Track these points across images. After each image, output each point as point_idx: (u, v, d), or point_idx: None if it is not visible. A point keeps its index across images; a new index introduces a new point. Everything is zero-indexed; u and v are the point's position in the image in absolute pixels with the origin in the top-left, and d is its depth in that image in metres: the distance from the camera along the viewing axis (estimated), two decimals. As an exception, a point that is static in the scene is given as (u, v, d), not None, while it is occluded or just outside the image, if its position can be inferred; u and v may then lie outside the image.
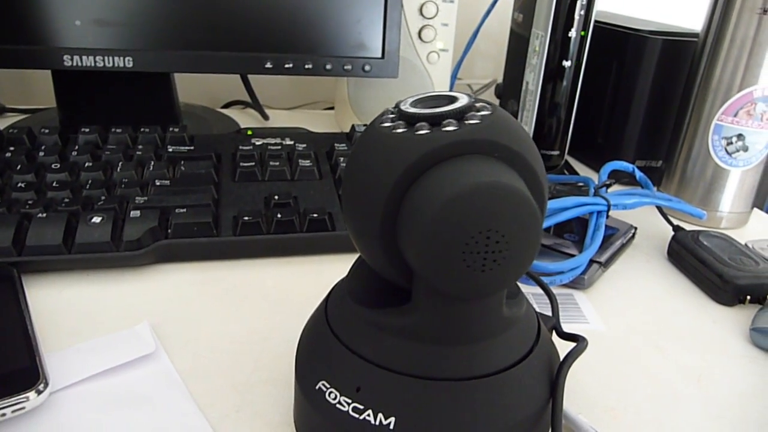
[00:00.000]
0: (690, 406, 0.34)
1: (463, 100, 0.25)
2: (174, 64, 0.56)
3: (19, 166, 0.47)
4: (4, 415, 0.28)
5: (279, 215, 0.45)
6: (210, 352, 0.35)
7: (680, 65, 0.60)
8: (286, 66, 0.58)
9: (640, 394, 0.35)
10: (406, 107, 0.25)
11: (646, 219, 0.56)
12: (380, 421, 0.25)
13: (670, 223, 0.52)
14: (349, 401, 0.25)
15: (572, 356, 0.29)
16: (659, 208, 0.54)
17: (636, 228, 0.52)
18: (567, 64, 0.59)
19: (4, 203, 0.43)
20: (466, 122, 0.24)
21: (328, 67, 0.59)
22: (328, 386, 0.26)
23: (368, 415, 0.25)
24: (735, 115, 0.53)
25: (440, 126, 0.24)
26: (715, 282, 0.44)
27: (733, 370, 0.37)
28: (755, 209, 0.59)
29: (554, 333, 0.34)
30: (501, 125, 0.24)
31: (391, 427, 0.24)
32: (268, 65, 0.57)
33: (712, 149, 0.54)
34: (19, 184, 0.45)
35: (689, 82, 0.56)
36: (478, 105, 0.25)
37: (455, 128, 0.23)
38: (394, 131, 0.24)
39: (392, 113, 0.26)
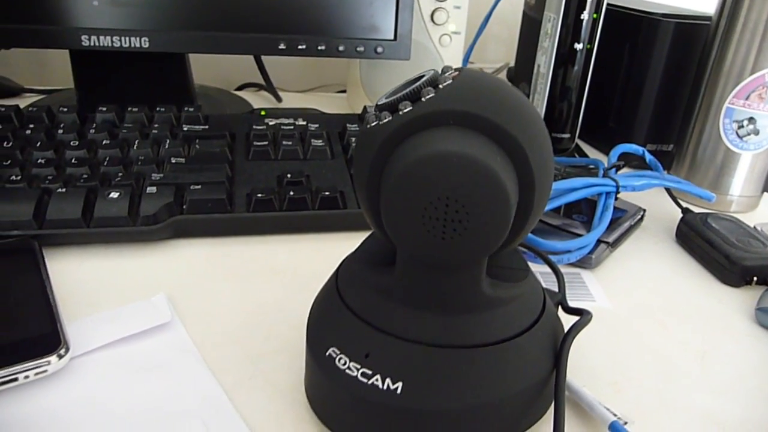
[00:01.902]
0: (692, 381, 0.35)
1: (424, 77, 0.25)
2: (189, 45, 0.57)
3: (38, 143, 0.48)
4: (27, 377, 0.29)
5: (291, 193, 0.45)
6: (224, 323, 0.36)
7: (693, 49, 0.60)
8: (300, 47, 0.58)
9: (643, 369, 0.35)
10: (381, 99, 0.26)
11: (656, 202, 0.56)
12: (388, 385, 0.25)
13: (679, 205, 0.52)
14: (359, 366, 0.26)
15: (576, 328, 0.30)
16: (668, 191, 0.54)
17: (645, 210, 0.52)
18: (579, 47, 0.59)
19: (24, 179, 0.44)
20: (422, 99, 0.24)
21: (341, 48, 0.59)
22: (338, 352, 0.27)
23: (376, 379, 0.26)
24: (747, 99, 0.53)
25: (398, 111, 0.25)
26: (722, 263, 0.44)
27: (737, 348, 0.38)
28: (766, 193, 0.59)
29: (560, 308, 0.35)
30: (460, 92, 0.24)
31: (399, 391, 0.25)
32: (282, 46, 0.58)
33: (723, 133, 0.54)
34: (39, 161, 0.46)
35: (701, 66, 0.56)
36: (443, 77, 0.25)
37: (409, 109, 0.24)
38: (367, 126, 0.26)
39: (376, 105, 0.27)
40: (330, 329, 0.28)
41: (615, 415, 0.29)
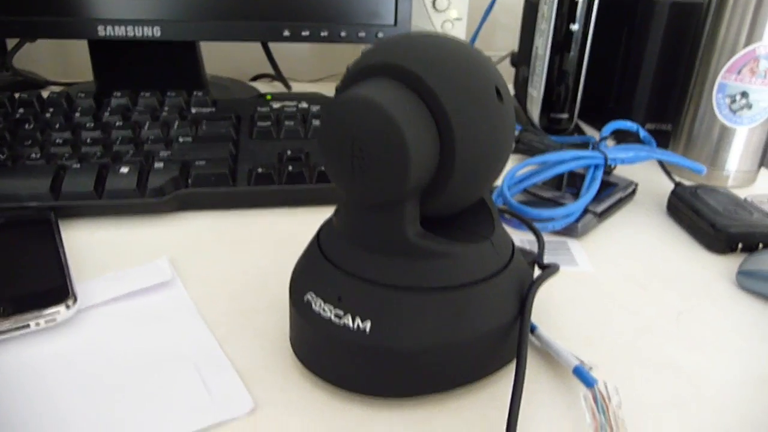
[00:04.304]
0: (665, 338, 0.36)
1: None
2: (198, 33, 0.60)
3: (57, 125, 0.51)
4: (38, 324, 0.32)
5: (290, 168, 0.48)
6: (221, 283, 0.39)
7: (689, 28, 0.61)
8: (303, 34, 0.61)
9: (618, 326, 0.37)
10: None
11: (649, 177, 0.57)
12: (358, 325, 0.28)
13: (672, 178, 0.53)
14: (332, 308, 0.28)
15: (542, 277, 0.31)
16: (662, 166, 0.55)
17: (637, 184, 0.53)
18: (575, 27, 0.61)
19: (43, 157, 0.47)
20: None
21: (343, 34, 0.61)
22: (314, 296, 0.29)
23: (348, 320, 0.28)
24: (738, 73, 0.53)
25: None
26: (708, 231, 0.45)
27: (715, 308, 0.39)
28: (763, 168, 0.59)
29: (537, 268, 0.36)
30: (393, 47, 0.27)
31: (367, 330, 0.27)
32: (286, 33, 0.61)
33: (716, 108, 0.55)
34: (57, 140, 0.49)
35: (695, 42, 0.57)
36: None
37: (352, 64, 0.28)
38: None
39: None
40: (308, 277, 0.30)
41: (580, 360, 0.31)
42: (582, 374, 0.30)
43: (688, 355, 0.34)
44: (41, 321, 0.32)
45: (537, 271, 0.36)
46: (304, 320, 0.29)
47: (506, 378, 0.31)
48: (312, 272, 0.30)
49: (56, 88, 0.74)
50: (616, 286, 0.41)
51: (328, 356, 0.29)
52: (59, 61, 0.84)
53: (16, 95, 0.55)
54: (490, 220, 0.31)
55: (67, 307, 0.33)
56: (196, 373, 0.31)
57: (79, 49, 0.67)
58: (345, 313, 0.28)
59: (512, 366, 0.31)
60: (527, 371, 0.31)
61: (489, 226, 0.31)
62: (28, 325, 0.32)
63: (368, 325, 0.27)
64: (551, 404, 0.30)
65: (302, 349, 0.31)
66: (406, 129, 0.25)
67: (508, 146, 0.29)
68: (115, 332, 0.33)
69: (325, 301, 0.28)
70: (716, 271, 0.43)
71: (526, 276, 0.32)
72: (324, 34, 0.61)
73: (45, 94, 0.57)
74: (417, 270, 0.28)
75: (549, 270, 0.32)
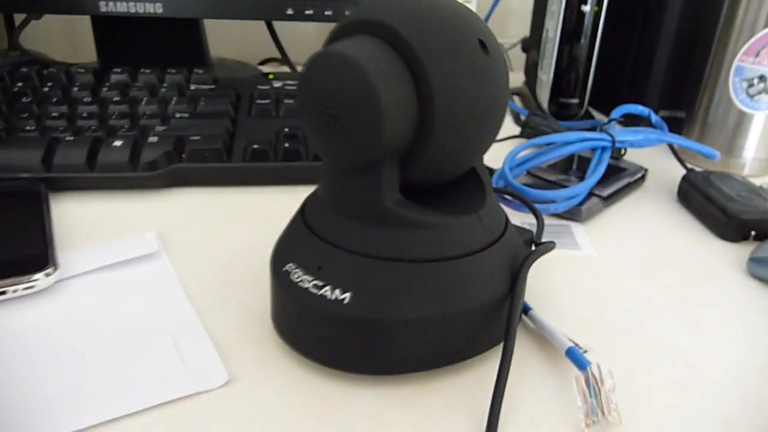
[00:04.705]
0: (667, 322, 0.34)
1: None
2: (200, 10, 0.59)
3: (54, 99, 0.51)
4: (15, 291, 0.32)
5: (287, 144, 0.47)
6: (208, 258, 0.37)
7: (706, 9, 0.59)
8: (307, 12, 0.59)
9: (617, 309, 0.35)
10: None
11: (660, 163, 0.55)
12: (336, 296, 0.26)
13: (684, 165, 0.51)
14: (311, 279, 0.27)
15: (535, 253, 0.30)
16: (674, 152, 0.53)
17: (646, 170, 0.51)
18: (586, 9, 0.59)
19: (38, 129, 0.47)
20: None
21: (347, 13, 0.60)
22: (294, 267, 0.28)
23: (327, 290, 0.27)
24: (757, 56, 0.51)
25: None
26: (719, 217, 0.43)
27: (722, 295, 0.37)
28: (781, 157, 0.57)
29: (533, 246, 0.35)
30: (367, 4, 0.26)
31: (346, 301, 0.26)
32: (290, 11, 0.59)
33: (732, 92, 0.53)
34: (53, 114, 0.48)
35: (712, 24, 0.55)
36: None
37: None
38: None
39: None
40: (290, 247, 0.29)
41: (574, 342, 0.29)
42: (575, 356, 0.28)
43: (689, 340, 0.33)
44: (19, 288, 0.32)
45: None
46: (282, 291, 0.28)
47: (495, 359, 0.30)
48: (293, 242, 0.29)
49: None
50: (618, 271, 0.39)
51: (307, 329, 0.28)
52: (68, 41, 0.84)
53: (17, 70, 0.54)
54: (482, 193, 0.29)
55: (47, 275, 0.32)
56: (172, 344, 0.30)
57: (87, 28, 0.67)
58: (324, 284, 0.27)
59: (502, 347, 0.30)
60: (518, 353, 0.30)
61: (480, 199, 0.29)
62: (4, 292, 0.31)
63: (348, 296, 0.26)
64: (542, 387, 0.29)
65: (282, 322, 0.29)
66: (378, 81, 0.23)
67: (497, 105, 0.27)
68: (94, 302, 0.33)
69: (305, 272, 0.27)
70: (726, 258, 0.41)
71: (519, 253, 0.30)
72: (328, 13, 0.60)
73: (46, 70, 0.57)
74: (398, 240, 0.26)
75: (543, 246, 0.31)
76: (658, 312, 0.35)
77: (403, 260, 0.26)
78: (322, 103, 0.25)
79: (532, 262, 0.29)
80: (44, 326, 0.31)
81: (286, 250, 0.29)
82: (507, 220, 0.30)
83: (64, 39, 0.84)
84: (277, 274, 0.29)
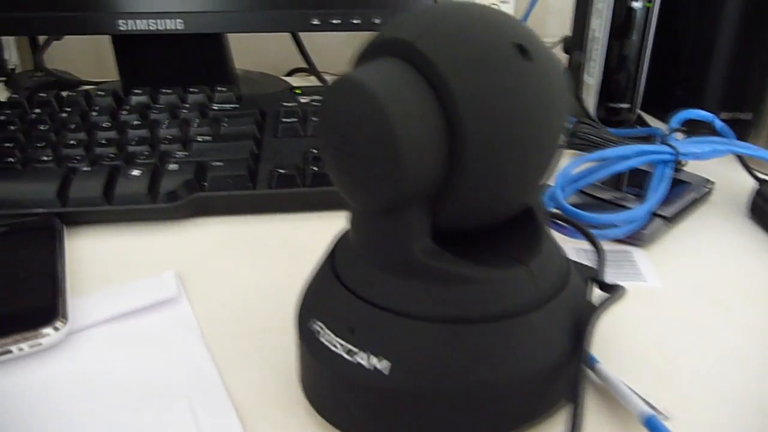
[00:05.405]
0: (755, 372, 0.29)
1: None
2: (222, 25, 0.56)
3: (73, 125, 0.48)
4: (21, 349, 0.29)
5: (315, 168, 0.43)
6: (232, 301, 0.34)
7: (773, 0, 0.53)
8: (333, 22, 0.56)
9: (695, 356, 0.30)
10: None
11: (727, 174, 0.50)
12: (373, 364, 0.23)
13: (755, 177, 0.46)
14: (343, 342, 0.23)
15: (605, 305, 0.26)
16: (742, 161, 0.48)
17: (713, 183, 0.46)
18: (637, 5, 0.54)
19: (54, 159, 0.44)
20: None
21: (376, 21, 0.56)
22: (321, 326, 0.24)
23: (362, 358, 0.23)
24: (837, 51, 0.45)
25: None
26: (803, 239, 0.38)
27: (817, 335, 0.32)
28: None
29: (596, 286, 0.30)
30: (408, 20, 0.22)
31: (385, 371, 0.22)
32: (315, 22, 0.56)
33: (808, 93, 0.47)
34: (71, 142, 0.46)
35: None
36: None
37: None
38: None
39: None
40: (316, 301, 0.25)
41: (653, 407, 0.25)
42: (656, 429, 0.24)
43: (786, 395, 0.28)
44: (24, 346, 0.29)
45: (596, 291, 0.30)
46: (310, 354, 0.24)
47: (556, 426, 0.26)
48: (321, 295, 0.25)
49: (88, 89, 0.72)
50: (690, 306, 0.34)
51: (339, 399, 0.24)
52: (93, 59, 0.82)
53: (36, 95, 0.52)
54: (536, 237, 0.25)
55: (56, 329, 0.30)
56: (189, 409, 0.26)
57: (111, 45, 0.65)
58: (358, 349, 0.23)
59: (564, 410, 0.25)
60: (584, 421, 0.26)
61: (533, 245, 0.25)
62: (10, 351, 0.29)
63: (386, 364, 0.22)
64: (615, 460, 0.25)
65: (311, 387, 0.26)
66: (396, 114, 0.19)
67: (549, 124, 0.22)
68: (106, 359, 0.30)
69: (335, 333, 0.24)
70: (815, 287, 0.36)
71: (583, 302, 0.26)
72: (356, 21, 0.56)
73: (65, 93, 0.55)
74: (436, 296, 0.22)
75: (613, 296, 0.26)
76: (744, 358, 0.30)
77: (447, 321, 0.22)
78: (337, 137, 0.22)
79: (599, 316, 0.25)
80: (51, 388, 0.28)
81: (313, 305, 0.25)
82: (569, 268, 0.26)
83: (90, 57, 0.82)
84: (304, 334, 0.25)
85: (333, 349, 0.23)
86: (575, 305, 0.25)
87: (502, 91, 0.21)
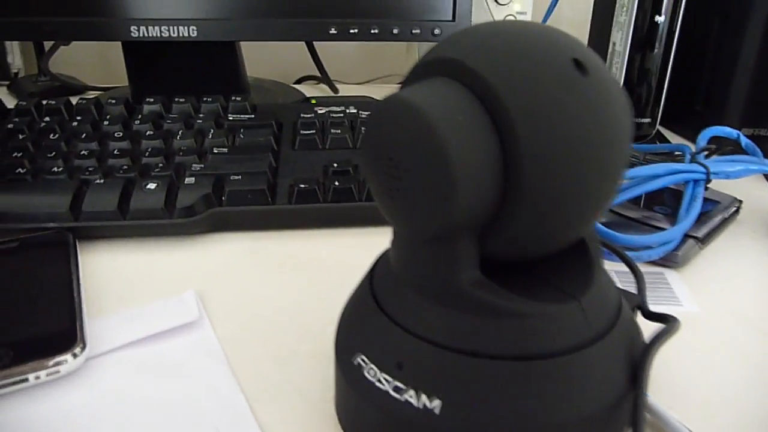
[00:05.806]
0: (808, 405, 0.28)
1: None
2: (237, 33, 0.55)
3: (84, 135, 0.47)
4: (38, 378, 0.27)
5: (337, 183, 0.42)
6: (255, 323, 0.33)
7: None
8: (351, 31, 0.55)
9: (743, 387, 0.29)
10: None
11: (753, 192, 0.49)
12: (424, 403, 0.21)
13: (784, 196, 0.45)
14: (390, 379, 0.22)
15: (660, 339, 0.24)
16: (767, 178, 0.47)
17: (741, 201, 0.45)
18: (660, 19, 0.53)
19: (66, 170, 0.43)
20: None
21: (395, 31, 0.55)
22: (366, 361, 0.23)
23: (410, 396, 0.21)
24: None
25: None
26: (841, 263, 0.37)
27: None
28: None
29: (639, 313, 0.29)
30: (458, 39, 0.21)
31: (437, 411, 0.21)
32: (333, 31, 0.55)
33: (837, 111, 0.47)
34: (83, 152, 0.44)
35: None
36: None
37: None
38: None
39: None
40: (359, 332, 0.24)
41: (708, 445, 0.24)
42: (715, 468, 0.23)
43: (841, 431, 0.27)
44: (42, 374, 0.27)
45: (640, 318, 0.29)
46: (352, 389, 0.23)
47: (609, 462, 0.25)
48: (363, 325, 0.24)
49: (95, 95, 0.70)
50: (729, 331, 0.33)
51: (384, 436, 0.23)
52: (99, 64, 0.81)
53: (44, 102, 0.51)
54: (589, 271, 0.24)
55: (74, 356, 0.28)
56: (220, 443, 0.25)
57: (118, 51, 0.63)
58: (407, 386, 0.22)
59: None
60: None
61: (585, 279, 0.23)
62: (26, 379, 0.27)
63: (437, 403, 0.21)
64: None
65: (352, 424, 0.24)
66: (451, 138, 0.18)
67: (614, 146, 0.20)
68: (127, 387, 0.28)
69: (380, 369, 0.22)
70: None
71: (635, 334, 0.25)
72: (374, 31, 0.55)
73: (74, 100, 0.53)
74: (489, 331, 0.21)
75: (668, 328, 0.25)
76: (792, 390, 0.29)
77: (502, 357, 0.21)
78: (385, 160, 0.21)
79: (656, 351, 0.24)
80: (69, 418, 0.26)
81: (354, 336, 0.24)
82: (620, 302, 0.25)
83: (96, 62, 0.80)
84: (345, 368, 0.24)
85: (378, 385, 0.22)
86: (629, 339, 0.24)
87: (562, 109, 0.19)
